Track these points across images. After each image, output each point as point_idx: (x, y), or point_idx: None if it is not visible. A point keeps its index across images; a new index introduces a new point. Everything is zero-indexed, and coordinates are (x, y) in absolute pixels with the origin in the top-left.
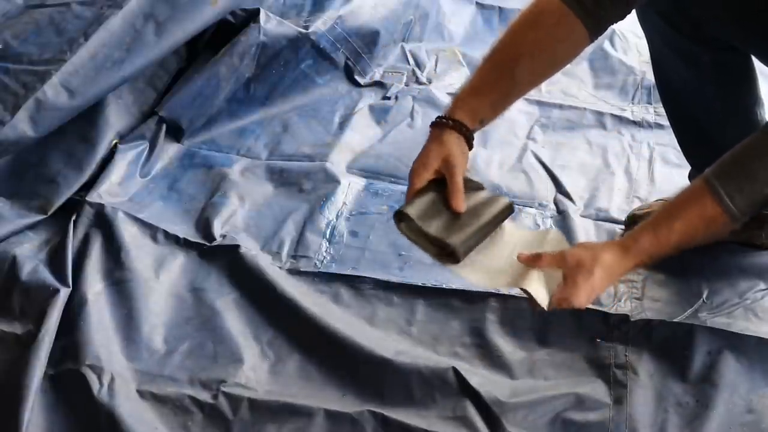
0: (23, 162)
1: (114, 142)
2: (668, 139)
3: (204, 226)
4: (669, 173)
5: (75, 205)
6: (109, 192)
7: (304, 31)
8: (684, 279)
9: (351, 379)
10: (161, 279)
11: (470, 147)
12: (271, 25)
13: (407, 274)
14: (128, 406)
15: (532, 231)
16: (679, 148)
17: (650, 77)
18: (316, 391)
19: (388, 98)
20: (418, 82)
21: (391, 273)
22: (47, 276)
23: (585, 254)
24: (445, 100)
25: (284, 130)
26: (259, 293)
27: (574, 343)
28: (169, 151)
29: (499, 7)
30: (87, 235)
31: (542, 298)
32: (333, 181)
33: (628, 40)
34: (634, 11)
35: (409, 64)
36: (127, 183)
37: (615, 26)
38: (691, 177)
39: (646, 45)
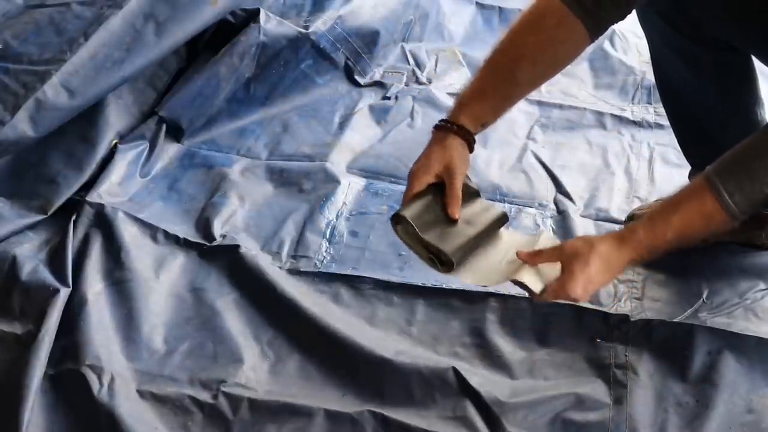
0: (23, 162)
1: (114, 142)
2: (668, 139)
3: (204, 226)
4: (669, 173)
5: (75, 205)
6: (109, 192)
7: (304, 31)
8: (684, 279)
9: (351, 379)
10: (161, 279)
11: (471, 150)
12: (271, 25)
13: (407, 274)
14: (128, 406)
15: (524, 235)
16: (679, 148)
17: (650, 77)
18: (316, 391)
19: (388, 98)
20: (418, 82)
21: (391, 273)
22: (47, 276)
23: (582, 245)
24: (445, 100)
25: (284, 130)
26: (259, 293)
27: (574, 343)
28: (169, 151)
29: (499, 7)
30: (87, 235)
31: (538, 288)
32: (333, 181)
33: (628, 40)
34: (634, 11)
35: (409, 64)
36: (127, 183)
37: (615, 26)
38: (691, 177)
39: (646, 45)
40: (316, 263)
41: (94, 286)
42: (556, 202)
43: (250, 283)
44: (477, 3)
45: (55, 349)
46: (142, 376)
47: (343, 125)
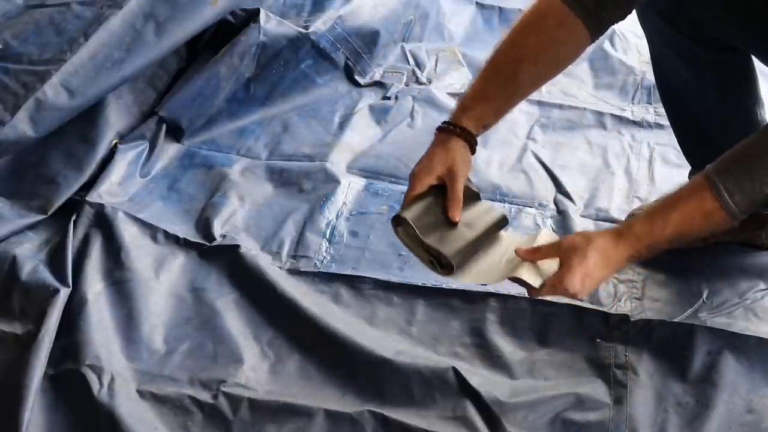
0: (23, 162)
1: (114, 142)
2: (668, 139)
3: (204, 226)
4: (669, 173)
5: (75, 205)
6: (109, 192)
7: (304, 31)
8: (684, 279)
9: (351, 379)
10: (161, 279)
11: (473, 152)
12: (271, 25)
13: (407, 274)
14: (128, 406)
15: (524, 236)
16: (679, 148)
17: (650, 77)
18: (316, 391)
19: (388, 98)
20: (418, 82)
21: (391, 273)
22: (47, 276)
23: (579, 239)
24: (445, 100)
25: (284, 130)
26: (259, 293)
27: (574, 343)
28: (169, 151)
29: (499, 7)
30: (87, 235)
31: (537, 284)
32: (333, 181)
33: (628, 40)
34: (634, 11)
35: (409, 64)
36: (127, 183)
37: (615, 26)
38: (691, 177)
39: (646, 45)
40: (316, 263)
41: (94, 286)
42: (556, 202)
43: (250, 283)
44: (477, 3)
45: (55, 349)
46: (142, 376)
47: (343, 125)
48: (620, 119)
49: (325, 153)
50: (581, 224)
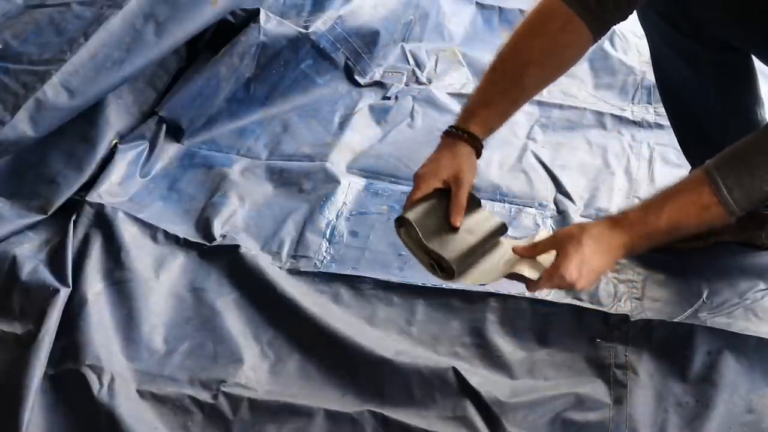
0: (23, 162)
1: (114, 142)
2: (668, 139)
3: (204, 226)
4: (669, 173)
5: (75, 205)
6: (109, 192)
7: (304, 31)
8: (684, 279)
9: (351, 379)
10: (161, 279)
11: (478, 157)
12: (271, 25)
13: (407, 274)
14: (128, 406)
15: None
16: (679, 148)
17: (650, 77)
18: (316, 391)
19: (388, 98)
20: (418, 82)
21: (391, 273)
22: (47, 276)
23: (574, 228)
24: (445, 100)
25: (284, 130)
26: (259, 293)
27: (574, 343)
28: (169, 151)
29: (499, 7)
30: (87, 235)
31: (535, 277)
32: (333, 181)
33: (628, 40)
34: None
35: (409, 64)
36: (127, 183)
37: (615, 26)
38: None
39: (646, 45)
40: (316, 263)
41: (94, 286)
42: (556, 202)
43: (250, 283)
44: (477, 3)
45: (55, 349)
46: (142, 376)
47: (343, 125)
48: (620, 119)
49: (325, 153)
50: None
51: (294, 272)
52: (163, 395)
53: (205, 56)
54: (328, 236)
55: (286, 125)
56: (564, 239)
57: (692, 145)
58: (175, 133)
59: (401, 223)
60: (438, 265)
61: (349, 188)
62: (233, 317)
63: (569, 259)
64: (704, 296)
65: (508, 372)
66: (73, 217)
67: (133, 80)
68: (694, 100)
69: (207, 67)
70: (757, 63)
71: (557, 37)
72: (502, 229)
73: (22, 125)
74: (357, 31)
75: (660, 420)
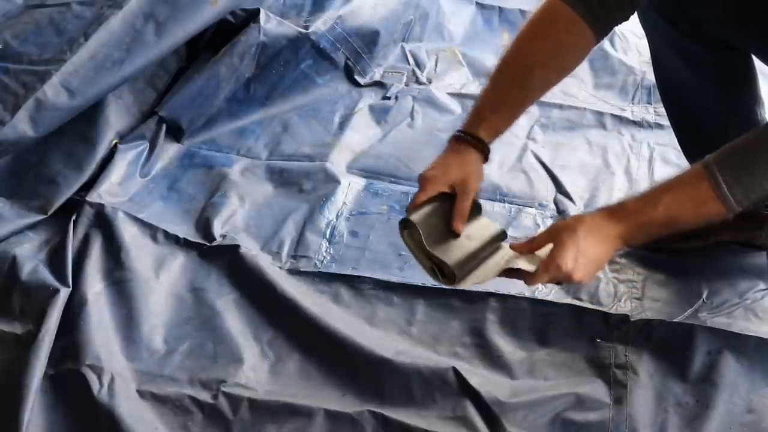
0: (23, 162)
1: (114, 142)
2: (668, 139)
3: (204, 226)
4: (669, 173)
5: (75, 205)
6: (109, 192)
7: (304, 31)
8: (684, 279)
9: (351, 379)
10: (161, 279)
11: (485, 161)
12: (271, 25)
13: (407, 274)
14: (128, 406)
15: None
16: (679, 148)
17: (650, 77)
18: (316, 391)
19: (388, 98)
20: (418, 82)
21: (391, 273)
22: (47, 276)
23: (570, 219)
24: (445, 100)
25: (284, 130)
26: (259, 293)
27: (574, 343)
28: (169, 151)
29: (499, 7)
30: (87, 235)
31: (532, 269)
32: (333, 181)
33: (628, 40)
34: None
35: (409, 64)
36: (127, 183)
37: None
38: None
39: (647, 45)
40: (316, 263)
41: (94, 286)
42: (556, 202)
43: (250, 283)
44: (477, 3)
45: (55, 349)
46: (142, 376)
47: (343, 125)
48: (620, 119)
49: (325, 153)
50: None
51: (294, 272)
52: (163, 395)
53: (205, 56)
54: (328, 236)
55: (286, 125)
56: (560, 230)
57: (692, 145)
58: (175, 133)
59: (405, 224)
60: (439, 269)
61: (349, 188)
62: (233, 317)
63: (565, 249)
64: (704, 296)
65: (508, 372)
66: (73, 217)
67: (133, 80)
68: (694, 100)
69: (207, 67)
70: (757, 63)
71: (562, 39)
72: (501, 236)
73: (22, 125)
74: (357, 31)
75: (660, 420)
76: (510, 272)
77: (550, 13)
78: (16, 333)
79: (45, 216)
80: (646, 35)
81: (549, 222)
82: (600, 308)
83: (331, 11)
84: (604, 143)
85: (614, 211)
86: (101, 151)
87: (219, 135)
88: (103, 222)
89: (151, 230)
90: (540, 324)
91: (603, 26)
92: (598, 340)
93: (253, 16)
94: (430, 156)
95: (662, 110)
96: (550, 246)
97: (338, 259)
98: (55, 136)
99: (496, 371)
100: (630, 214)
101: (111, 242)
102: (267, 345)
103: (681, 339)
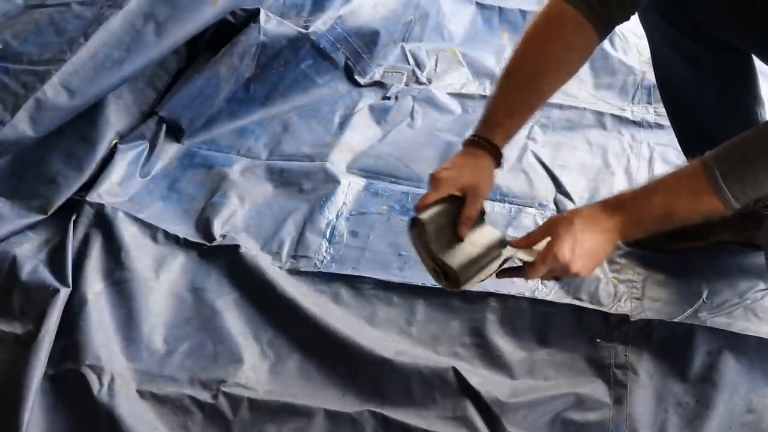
0: (23, 162)
1: (114, 142)
2: (668, 139)
3: (204, 226)
4: None
5: (75, 205)
6: (109, 192)
7: (304, 31)
8: (684, 279)
9: (351, 379)
10: (161, 279)
11: (497, 166)
12: (271, 25)
13: (407, 274)
14: (128, 406)
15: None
16: (679, 147)
17: (650, 77)
18: (316, 391)
19: (388, 98)
20: (418, 82)
21: (391, 273)
22: (47, 276)
23: (567, 212)
24: (445, 100)
25: (284, 130)
26: (259, 293)
27: (574, 343)
28: (169, 151)
29: (499, 7)
30: (87, 235)
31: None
32: (333, 181)
33: (628, 40)
34: None
35: (409, 64)
36: (127, 183)
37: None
38: None
39: (647, 45)
40: (316, 263)
41: (94, 286)
42: (556, 202)
43: (250, 283)
44: (477, 3)
45: (55, 349)
46: (142, 376)
47: (343, 125)
48: (620, 119)
49: (325, 153)
50: None
51: (294, 272)
52: (163, 395)
53: (205, 56)
54: (328, 236)
55: (286, 125)
56: (557, 223)
57: (692, 145)
58: (175, 133)
59: (414, 224)
60: (443, 273)
61: (349, 188)
62: (233, 317)
63: (562, 240)
64: (704, 296)
65: (508, 372)
66: (73, 217)
67: (133, 80)
68: (695, 100)
69: (207, 67)
70: (757, 63)
71: (569, 41)
72: (502, 244)
73: (22, 125)
74: (357, 31)
75: (660, 420)
76: (509, 271)
77: (556, 15)
78: (16, 333)
79: (45, 216)
80: (647, 35)
81: None
82: (600, 308)
83: (331, 11)
84: (604, 143)
85: (611, 204)
86: (101, 151)
87: (219, 135)
88: (103, 222)
89: (151, 230)
90: (540, 324)
91: (605, 26)
92: (598, 340)
93: (253, 16)
94: (430, 156)
95: (662, 110)
96: (547, 239)
97: (338, 259)
98: (55, 136)
99: (496, 371)
100: (626, 207)
101: (111, 242)
102: (267, 345)
103: (681, 339)
